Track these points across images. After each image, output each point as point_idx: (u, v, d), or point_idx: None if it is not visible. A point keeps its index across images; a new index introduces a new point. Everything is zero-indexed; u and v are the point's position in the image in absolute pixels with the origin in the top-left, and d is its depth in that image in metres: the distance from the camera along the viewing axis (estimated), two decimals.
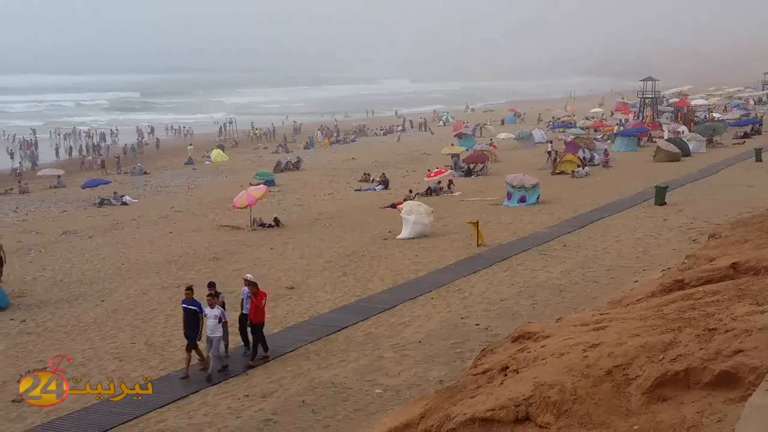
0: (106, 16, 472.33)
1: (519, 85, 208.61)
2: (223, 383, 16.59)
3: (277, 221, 36.67)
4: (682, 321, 8.90)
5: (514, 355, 9.49)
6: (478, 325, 19.27)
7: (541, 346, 9.40)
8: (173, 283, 25.84)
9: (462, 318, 20.04)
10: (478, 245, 28.89)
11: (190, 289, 17.82)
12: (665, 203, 35.10)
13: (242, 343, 18.45)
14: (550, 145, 60.22)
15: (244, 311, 18.39)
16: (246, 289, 18.36)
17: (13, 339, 20.85)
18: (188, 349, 17.24)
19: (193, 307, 17.40)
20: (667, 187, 36.93)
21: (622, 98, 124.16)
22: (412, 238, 31.19)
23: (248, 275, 19.17)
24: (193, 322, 17.30)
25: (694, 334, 8.04)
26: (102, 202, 47.69)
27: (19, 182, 56.88)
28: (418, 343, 18.20)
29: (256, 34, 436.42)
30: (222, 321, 17.30)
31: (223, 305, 17.87)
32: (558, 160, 51.48)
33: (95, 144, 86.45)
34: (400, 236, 31.68)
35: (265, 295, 18.37)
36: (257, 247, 32.02)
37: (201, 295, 18.08)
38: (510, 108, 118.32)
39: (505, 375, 8.99)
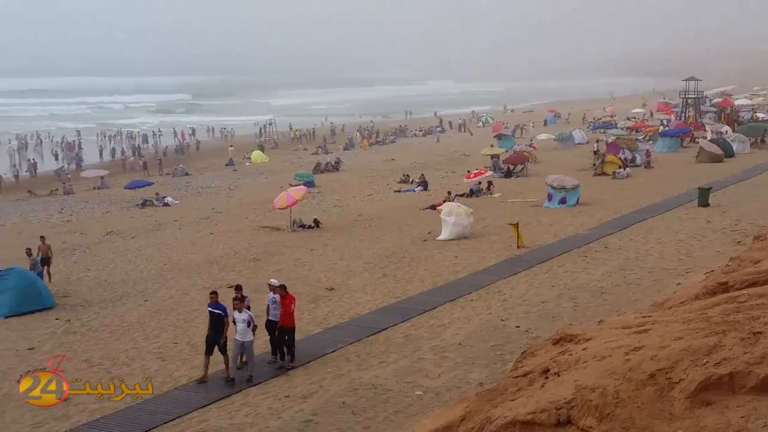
0: (162, 19, 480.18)
1: (560, 85, 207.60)
2: (264, 384, 16.69)
3: (316, 222, 36.84)
4: (727, 324, 8.78)
5: (555, 358, 9.43)
6: (518, 327, 19.20)
7: (583, 349, 9.33)
8: (214, 284, 25.96)
9: (502, 320, 19.98)
10: (518, 247, 28.77)
11: (214, 293, 17.59)
12: (708, 205, 34.66)
13: (269, 351, 18.10)
14: (596, 144, 59.86)
15: (270, 317, 18.01)
16: (272, 295, 18.05)
17: (58, 338, 21.18)
18: (207, 355, 17.02)
19: (217, 311, 17.14)
20: (711, 188, 36.47)
21: (664, 98, 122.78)
22: (452, 240, 31.15)
23: (273, 280, 18.97)
24: (218, 326, 17.08)
25: (738, 338, 7.94)
26: (144, 203, 48.26)
27: (64, 183, 57.79)
28: (458, 345, 18.17)
29: (304, 36, 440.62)
30: (252, 325, 17.05)
31: (249, 309, 17.58)
32: (602, 159, 51.05)
33: (136, 146, 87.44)
34: (439, 237, 31.66)
35: (294, 300, 18.04)
36: (297, 248, 32.18)
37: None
38: (550, 109, 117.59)
39: (546, 378, 8.94)
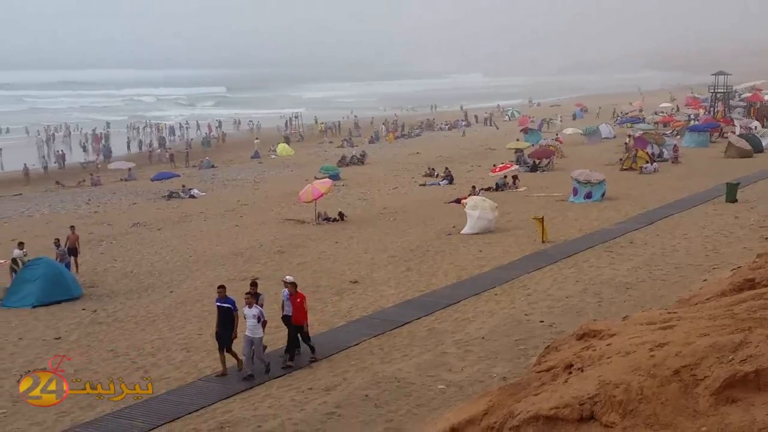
0: (201, 12, 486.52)
1: (589, 79, 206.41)
2: (287, 376, 16.76)
3: (341, 215, 36.90)
4: (753, 321, 8.71)
5: (579, 353, 9.39)
6: (542, 322, 19.12)
7: (607, 345, 9.29)
8: (239, 276, 26.21)
9: (526, 314, 19.91)
10: (542, 241, 28.66)
11: (222, 287, 17.44)
12: (736, 200, 34.32)
13: (284, 346, 17.93)
14: (628, 139, 59.49)
15: (285, 313, 17.89)
16: (286, 290, 17.91)
17: (85, 328, 21.39)
18: (221, 350, 16.92)
19: (226, 305, 16.99)
20: (739, 183, 36.06)
21: (692, 92, 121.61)
22: (477, 234, 31.08)
23: (288, 277, 18.78)
24: (226, 321, 16.94)
25: (765, 335, 7.86)
26: (171, 195, 48.56)
27: (91, 175, 58.28)
28: (481, 339, 18.13)
29: (334, 28, 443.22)
30: (261, 321, 16.83)
31: (261, 306, 17.36)
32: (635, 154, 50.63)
33: (162, 137, 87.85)
34: (464, 231, 31.60)
35: (304, 298, 17.84)
36: (322, 240, 32.26)
37: (265, 288, 18.25)
38: (577, 103, 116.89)
39: (570, 373, 8.91)
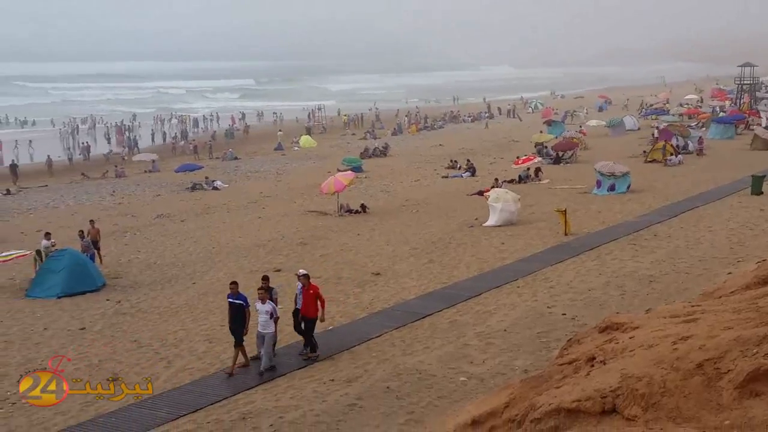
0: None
1: (616, 70, 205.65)
2: (309, 367, 16.79)
3: (364, 207, 36.92)
4: None
5: (602, 346, 9.35)
6: (564, 314, 19.07)
7: (630, 338, 9.24)
8: (261, 267, 26.27)
9: (548, 307, 19.85)
10: (565, 234, 28.55)
11: (234, 283, 17.19)
12: (762, 193, 34.01)
13: (298, 340, 17.82)
14: (656, 131, 59.12)
15: (298, 306, 17.62)
16: (300, 284, 17.68)
17: (108, 319, 21.54)
18: (237, 346, 16.70)
19: (238, 302, 16.73)
20: (765, 176, 35.72)
21: (717, 84, 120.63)
22: (499, 226, 31.01)
23: (301, 270, 18.58)
24: (239, 317, 16.70)
25: None
26: (194, 187, 48.75)
27: (116, 166, 58.66)
28: (503, 332, 18.10)
29: (365, 20, 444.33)
30: (274, 317, 16.63)
31: (273, 300, 17.12)
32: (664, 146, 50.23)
33: (185, 130, 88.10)
34: (486, 224, 31.53)
35: (318, 289, 17.64)
36: (344, 232, 32.30)
37: (288, 280, 18.23)
38: (601, 95, 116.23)
39: (592, 366, 8.87)
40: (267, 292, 16.89)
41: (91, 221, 30.50)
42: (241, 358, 16.81)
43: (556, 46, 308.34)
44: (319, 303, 17.30)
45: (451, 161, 52.86)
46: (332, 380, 15.91)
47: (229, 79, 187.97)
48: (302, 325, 17.43)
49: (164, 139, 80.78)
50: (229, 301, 16.95)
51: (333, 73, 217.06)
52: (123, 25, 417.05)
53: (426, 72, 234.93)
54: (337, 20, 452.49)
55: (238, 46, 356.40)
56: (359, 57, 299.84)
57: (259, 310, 16.52)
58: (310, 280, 17.64)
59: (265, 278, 17.86)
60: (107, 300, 23.61)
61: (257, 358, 16.83)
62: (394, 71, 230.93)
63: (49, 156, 60.77)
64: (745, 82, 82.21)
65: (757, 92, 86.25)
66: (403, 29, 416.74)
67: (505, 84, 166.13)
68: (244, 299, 16.87)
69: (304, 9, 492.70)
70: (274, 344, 17.04)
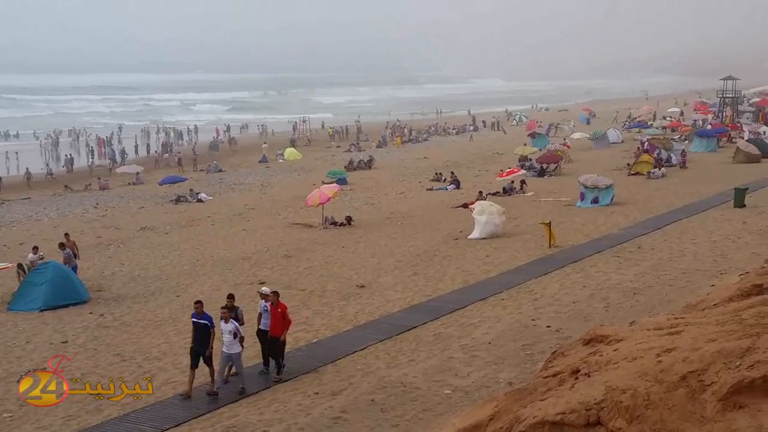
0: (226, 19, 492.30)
1: (600, 84, 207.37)
2: (293, 380, 16.72)
3: (348, 220, 36.90)
4: (761, 327, 8.66)
5: (586, 359, 9.37)
6: (549, 327, 19.08)
7: (614, 350, 9.26)
8: (246, 280, 26.23)
9: (533, 319, 19.87)
10: (550, 246, 28.61)
11: (199, 302, 16.55)
12: (745, 205, 34.19)
13: (261, 361, 17.31)
14: (643, 143, 59.42)
15: (261, 327, 17.17)
16: (263, 302, 17.20)
17: (92, 332, 21.40)
18: (192, 368, 16.09)
19: (203, 321, 16.16)
20: (747, 188, 35.98)
21: (700, 97, 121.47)
22: (484, 239, 31.04)
23: (264, 288, 18.28)
24: (203, 337, 16.12)
25: None
26: (178, 199, 48.62)
27: (99, 178, 58.41)
28: (488, 344, 18.09)
29: (356, 35, 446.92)
30: (238, 336, 16.03)
31: (238, 319, 16.59)
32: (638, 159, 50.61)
33: (170, 142, 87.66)
34: (471, 236, 31.56)
35: (286, 308, 17.22)
36: (329, 245, 32.25)
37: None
38: (585, 108, 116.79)
39: (576, 378, 8.88)
40: (231, 311, 16.39)
41: (66, 234, 30.08)
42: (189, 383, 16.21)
43: (546, 60, 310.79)
44: (285, 322, 16.91)
45: (436, 174, 52.95)
46: (317, 393, 15.85)
47: (223, 91, 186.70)
48: (263, 345, 16.98)
49: (148, 152, 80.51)
50: (193, 321, 16.39)
51: (328, 86, 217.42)
52: (118, 34, 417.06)
53: (420, 85, 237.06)
54: (330, 32, 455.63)
55: (234, 57, 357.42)
56: (353, 70, 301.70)
57: (223, 330, 16.00)
58: (280, 298, 17.26)
59: (230, 296, 17.33)
60: (90, 313, 23.46)
61: (227, 381, 16.50)
62: (388, 84, 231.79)
63: (27, 169, 60.45)
64: (728, 95, 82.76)
65: (739, 105, 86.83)
66: (398, 42, 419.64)
67: (497, 97, 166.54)
68: (209, 319, 16.24)
69: (294, 20, 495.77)
70: (230, 367, 16.61)
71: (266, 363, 17.12)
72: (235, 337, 16.00)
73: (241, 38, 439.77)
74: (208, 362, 16.20)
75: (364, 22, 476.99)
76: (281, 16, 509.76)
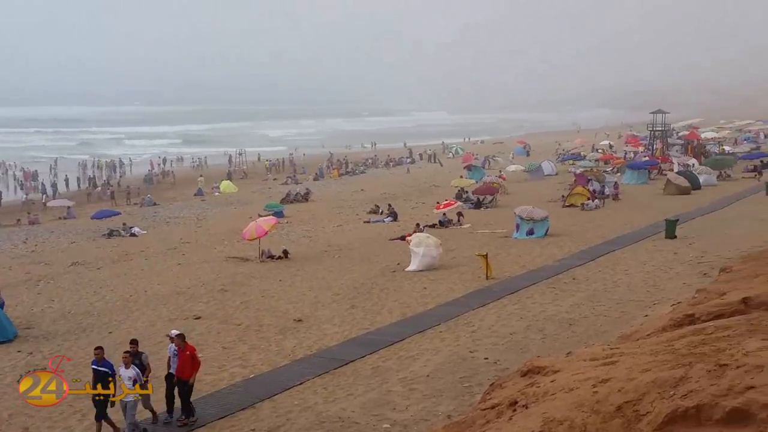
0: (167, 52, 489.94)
1: (534, 117, 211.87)
2: (230, 417, 16.43)
3: (285, 253, 36.64)
4: (693, 356, 8.78)
5: (524, 390, 9.37)
6: (487, 359, 19.11)
7: (551, 381, 9.28)
8: (181, 315, 25.80)
9: (471, 351, 19.89)
10: (487, 278, 28.77)
11: (99, 348, 15.77)
12: (676, 236, 34.92)
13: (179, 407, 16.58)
14: (576, 176, 60.39)
15: (171, 370, 16.55)
16: (172, 345, 16.60)
17: (19, 371, 20.68)
18: (98, 419, 15.31)
19: (103, 369, 15.26)
20: (678, 220, 36.77)
21: (631, 130, 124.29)
22: (421, 271, 31.10)
23: (173, 331, 17.68)
24: (105, 385, 15.10)
25: (705, 370, 7.92)
26: (111, 233, 47.76)
27: (28, 213, 57.11)
28: (426, 377, 18.04)
29: (302, 69, 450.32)
30: (138, 383, 15.22)
31: (141, 366, 15.77)
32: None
33: (90, 177, 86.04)
34: (408, 269, 31.59)
35: (194, 350, 16.76)
36: (266, 279, 31.96)
37: (208, 327, 17.80)
38: (519, 140, 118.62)
39: (514, 410, 8.86)
40: (132, 357, 15.71)
41: None
42: (108, 428, 15.51)
43: (493, 94, 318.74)
44: (194, 364, 16.41)
45: (374, 206, 53.04)
46: (253, 430, 15.59)
47: (164, 125, 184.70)
48: (177, 389, 16.44)
49: (79, 185, 79.07)
50: (93, 369, 15.50)
51: (277, 118, 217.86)
52: (61, 67, 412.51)
53: (360, 117, 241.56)
54: (284, 65, 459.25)
55: (185, 90, 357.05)
56: (304, 102, 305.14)
57: (123, 376, 15.22)
58: (186, 340, 16.76)
59: (134, 342, 16.70)
60: (18, 351, 22.78)
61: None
62: (336, 116, 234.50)
63: None
64: (658, 128, 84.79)
65: (669, 138, 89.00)
66: (349, 77, 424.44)
67: (440, 129, 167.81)
68: (110, 367, 15.37)
69: (242, 53, 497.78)
70: (153, 412, 16.20)
71: (170, 410, 16.50)
72: (134, 384, 15.22)
73: (193, 71, 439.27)
74: (105, 416, 15.36)
75: (321, 59, 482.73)
76: (234, 51, 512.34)
